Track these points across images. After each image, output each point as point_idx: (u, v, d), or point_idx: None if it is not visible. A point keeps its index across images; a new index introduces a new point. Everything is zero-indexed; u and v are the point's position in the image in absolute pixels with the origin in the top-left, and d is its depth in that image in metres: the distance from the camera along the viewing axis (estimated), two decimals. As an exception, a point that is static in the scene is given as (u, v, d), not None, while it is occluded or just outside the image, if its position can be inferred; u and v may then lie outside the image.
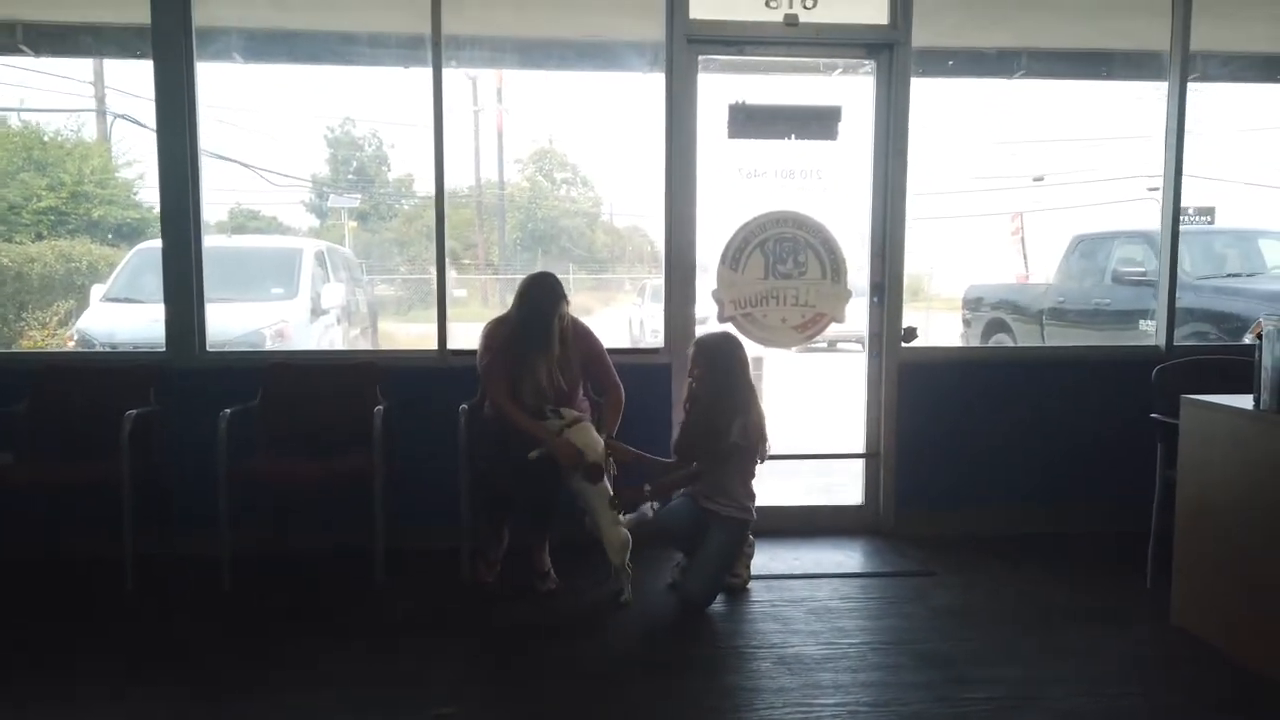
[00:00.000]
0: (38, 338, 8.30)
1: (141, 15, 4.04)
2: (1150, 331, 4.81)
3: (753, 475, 3.69)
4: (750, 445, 3.60)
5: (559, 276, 3.82)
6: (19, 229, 9.66)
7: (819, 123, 4.54)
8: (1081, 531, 4.49)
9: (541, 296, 3.72)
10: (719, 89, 4.53)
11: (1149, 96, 4.89)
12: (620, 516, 3.58)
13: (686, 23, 4.31)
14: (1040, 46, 5.14)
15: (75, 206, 10.24)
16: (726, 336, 3.84)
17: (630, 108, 4.85)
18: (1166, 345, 4.60)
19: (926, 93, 4.65)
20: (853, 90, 4.65)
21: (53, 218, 9.96)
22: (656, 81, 4.40)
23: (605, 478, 3.60)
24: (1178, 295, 4.69)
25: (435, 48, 4.19)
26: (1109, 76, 5.56)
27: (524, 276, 3.82)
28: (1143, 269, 6.42)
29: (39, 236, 9.60)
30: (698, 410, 3.67)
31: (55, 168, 10.42)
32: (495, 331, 3.79)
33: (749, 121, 4.52)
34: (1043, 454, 4.57)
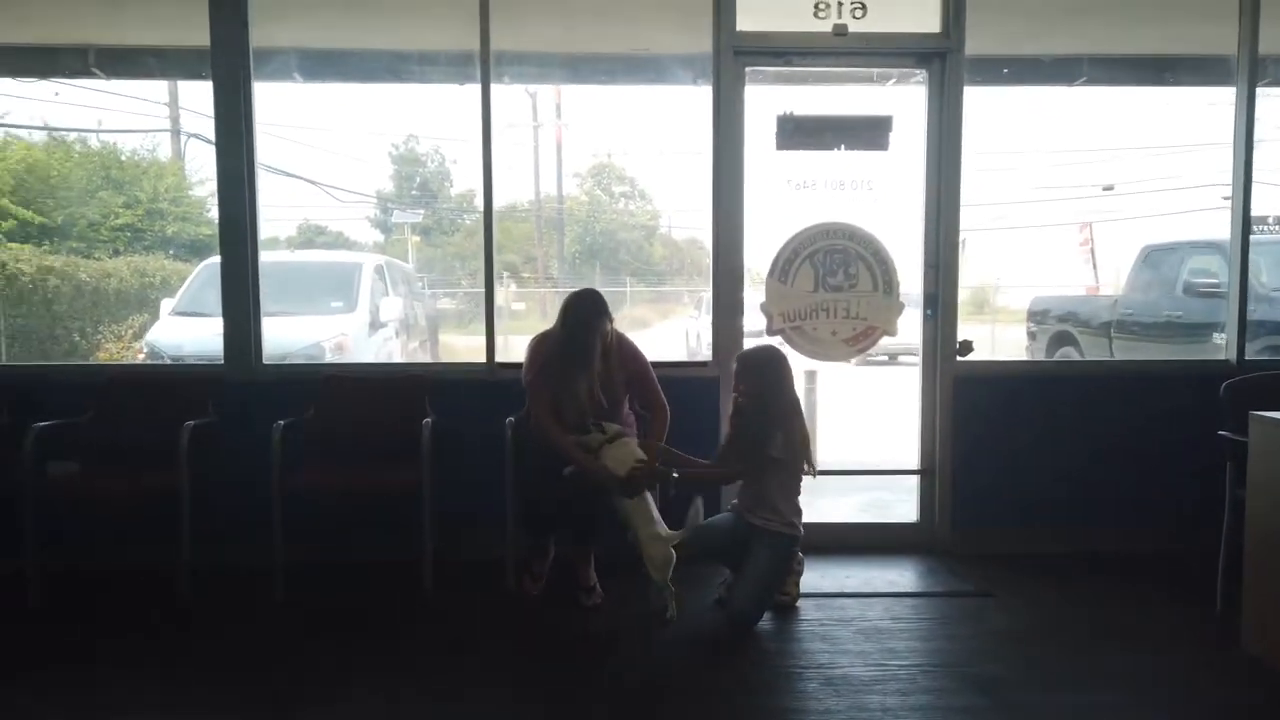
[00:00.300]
0: (113, 350, 8.60)
1: (202, 38, 4.16)
2: (1222, 345, 4.63)
3: (798, 491, 3.63)
4: (792, 459, 3.55)
5: (616, 290, 3.83)
6: (97, 245, 10.04)
7: (869, 133, 4.47)
8: (1147, 552, 4.33)
9: (584, 314, 3.70)
10: (767, 100, 4.49)
11: (1221, 102, 4.71)
12: (663, 531, 3.54)
13: (733, 35, 4.29)
14: (1102, 53, 5.00)
15: (150, 223, 10.62)
16: (770, 349, 3.80)
17: (682, 121, 4.84)
18: (1238, 359, 4.42)
19: (982, 101, 4.57)
20: (904, 99, 4.57)
21: (129, 234, 10.33)
22: (705, 95, 4.39)
23: (647, 494, 3.58)
24: (1252, 308, 4.51)
25: (484, 64, 4.24)
26: (1175, 83, 5.38)
27: (570, 293, 3.83)
28: (1215, 280, 6.19)
29: (116, 253, 9.97)
30: (741, 424, 3.63)
31: (132, 186, 10.82)
32: (540, 346, 3.80)
33: (797, 132, 4.47)
34: (1106, 471, 4.42)
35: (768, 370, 3.61)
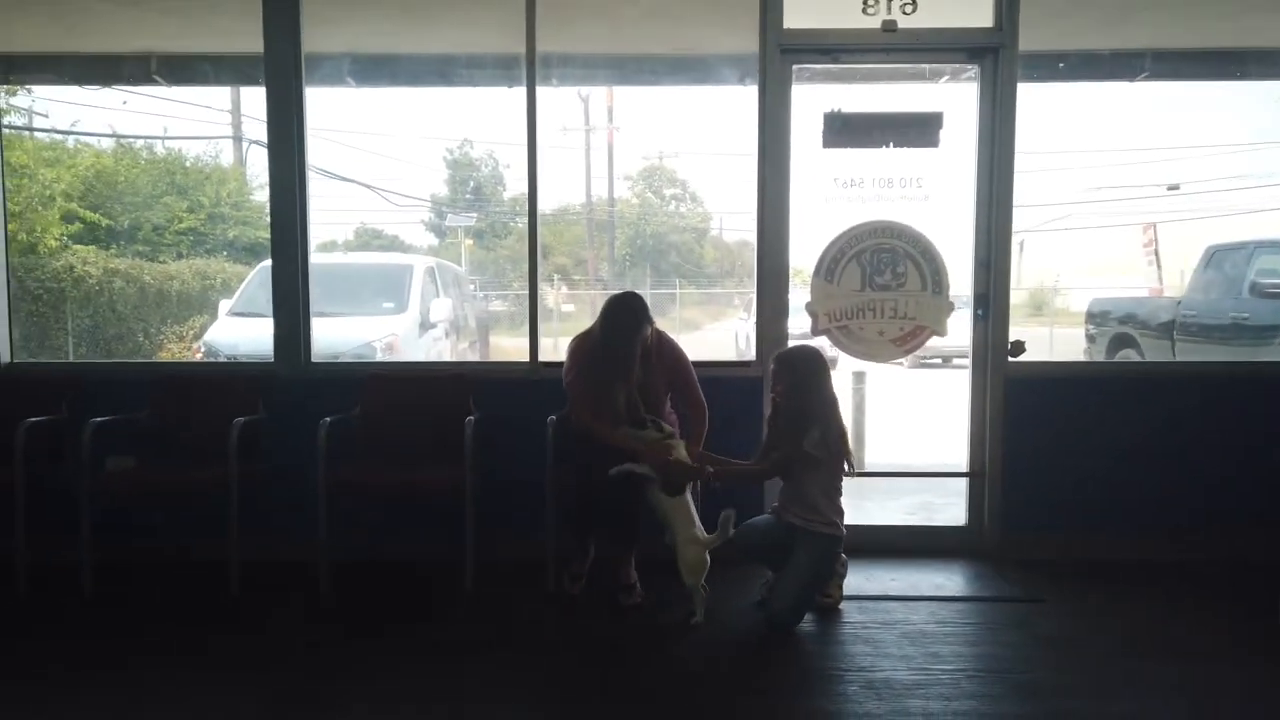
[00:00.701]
0: (175, 350, 8.86)
1: (258, 45, 4.25)
2: (1289, 347, 4.47)
3: (839, 490, 3.59)
4: (830, 457, 3.51)
5: (666, 292, 3.83)
6: (162, 249, 10.35)
7: (919, 129, 4.40)
8: (1205, 560, 4.19)
9: (623, 323, 3.67)
10: (815, 98, 4.45)
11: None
12: (701, 535, 3.52)
13: (780, 33, 4.26)
14: (1165, 47, 4.86)
15: (212, 227, 10.91)
16: (807, 348, 3.75)
17: (730, 122, 4.82)
18: (1304, 362, 4.26)
19: (1038, 98, 4.47)
20: (956, 97, 4.49)
21: (191, 238, 10.63)
22: (753, 95, 4.36)
23: (687, 493, 3.56)
24: (1324, 308, 4.34)
25: (529, 66, 4.27)
26: (1244, 76, 5.20)
27: (610, 295, 3.83)
28: (1284, 281, 5.99)
29: (179, 256, 10.26)
30: (778, 422, 3.60)
31: (195, 191, 11.13)
32: (581, 347, 3.80)
33: (845, 130, 4.42)
34: (1164, 476, 4.29)
35: (804, 368, 3.57)
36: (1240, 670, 3.12)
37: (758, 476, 3.67)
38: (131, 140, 10.67)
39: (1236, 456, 4.16)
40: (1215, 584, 3.97)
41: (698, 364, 3.96)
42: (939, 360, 11.53)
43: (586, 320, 3.79)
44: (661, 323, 3.93)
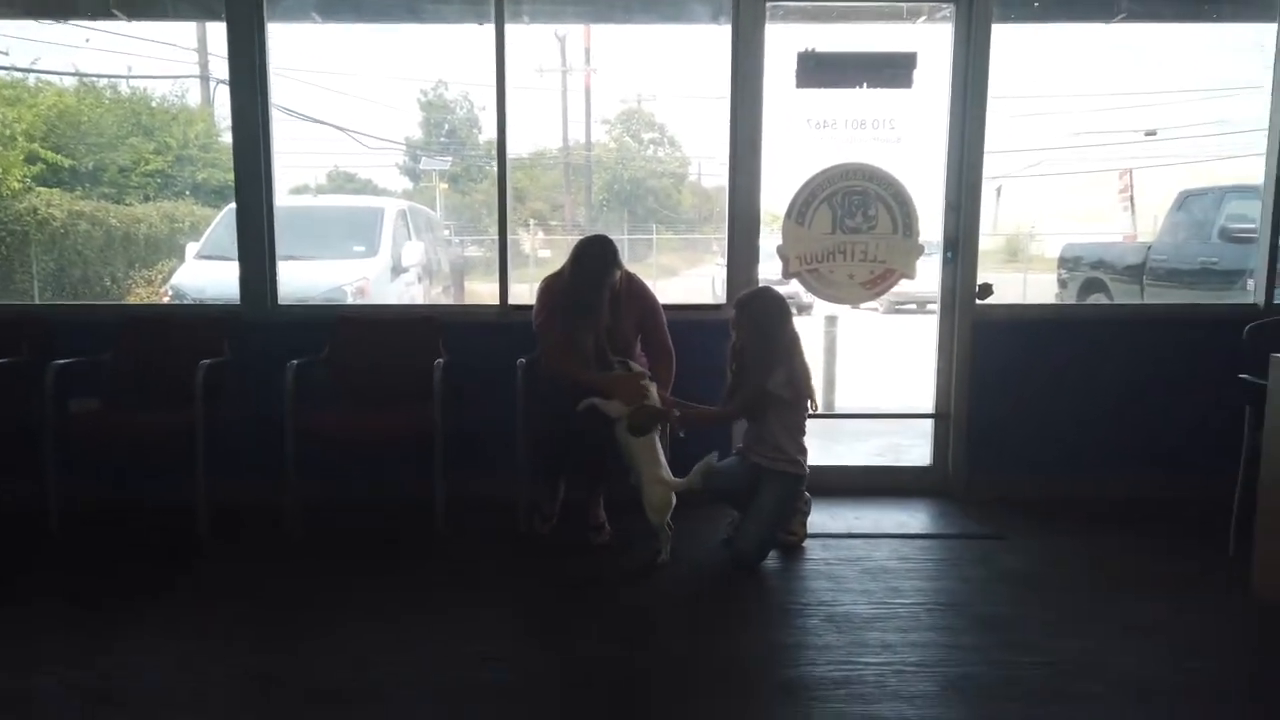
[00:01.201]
0: (143, 294, 8.75)
1: (215, -24, 4.14)
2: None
3: (802, 430, 3.62)
4: (794, 398, 3.53)
5: (644, 237, 3.80)
6: (128, 191, 10.16)
7: (892, 70, 4.36)
8: (1166, 498, 4.27)
9: (594, 264, 3.66)
10: (789, 39, 4.39)
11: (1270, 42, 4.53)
12: (666, 475, 3.55)
13: (753, -31, 4.18)
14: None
15: (180, 170, 10.71)
16: (767, 289, 3.75)
17: (704, 62, 4.74)
18: (1265, 304, 4.30)
19: (1013, 39, 4.42)
20: (932, 38, 4.44)
21: (159, 180, 10.44)
22: (726, 34, 4.29)
23: (654, 434, 3.58)
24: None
25: (498, 2, 4.18)
26: (1218, 19, 5.16)
27: (581, 239, 3.80)
28: (1253, 225, 6.02)
29: (146, 198, 10.08)
30: (741, 365, 3.62)
31: (161, 132, 10.90)
32: (550, 289, 3.78)
33: (818, 70, 4.37)
34: (1126, 417, 4.36)
35: (764, 310, 3.58)
36: (1193, 603, 3.20)
37: (724, 419, 3.70)
38: (95, 79, 10.41)
39: (1198, 397, 4.23)
40: (1173, 521, 4.07)
41: (669, 307, 3.96)
42: (913, 306, 11.58)
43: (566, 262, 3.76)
44: (638, 268, 3.92)
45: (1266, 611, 3.11)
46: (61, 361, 3.80)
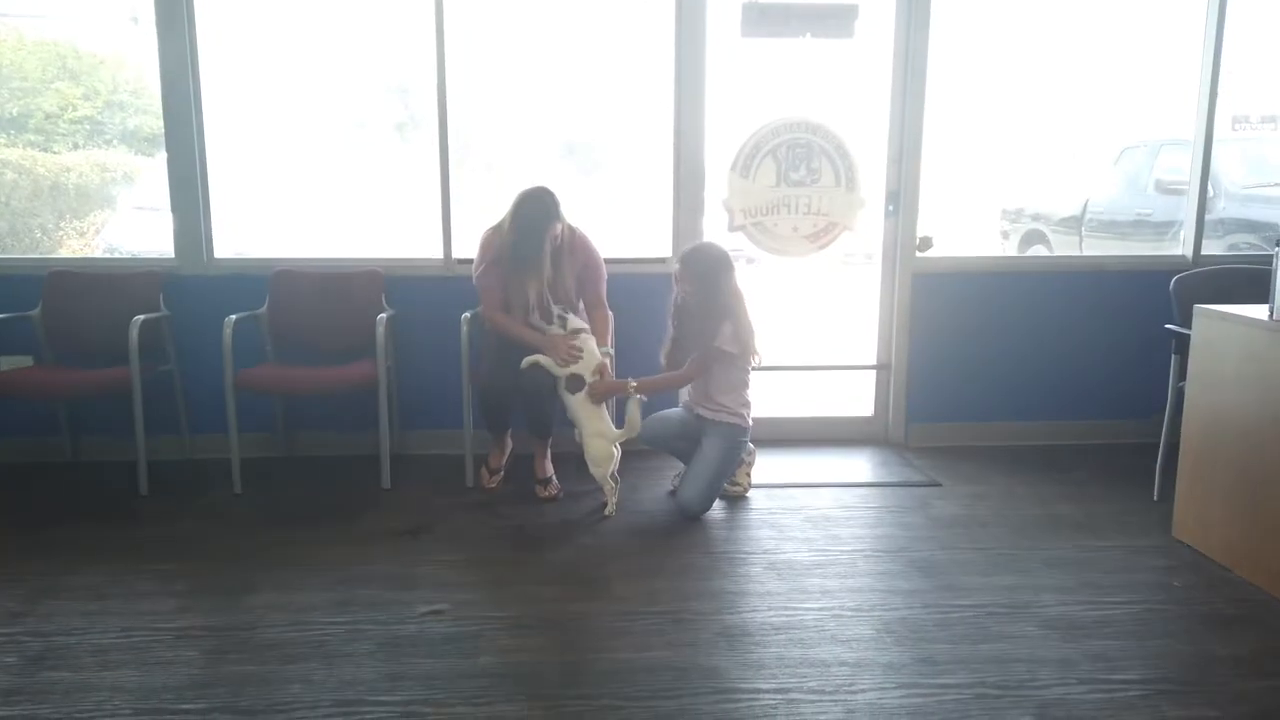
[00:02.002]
0: (75, 247, 8.45)
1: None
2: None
3: (747, 383, 3.66)
4: (740, 352, 3.57)
5: (591, 184, 3.74)
6: (55, 139, 9.74)
7: (835, 20, 4.34)
8: (1098, 445, 4.44)
9: (533, 217, 3.61)
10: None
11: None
12: (608, 429, 3.58)
13: (697, -85, 4.12)
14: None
15: (110, 116, 10.29)
16: (713, 245, 3.75)
17: (650, 7, 4.66)
18: (1194, 256, 4.43)
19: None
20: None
21: (88, 127, 10.02)
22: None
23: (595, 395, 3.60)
24: (1223, 205, 4.49)
25: (436, -56, 4.07)
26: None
27: (521, 190, 3.73)
28: (1187, 178, 6.16)
29: (75, 146, 9.68)
30: (686, 320, 3.64)
31: (90, 77, 10.43)
32: (490, 241, 3.74)
33: (763, 19, 4.33)
34: (1059, 366, 4.49)
35: (710, 265, 3.58)
36: (1117, 545, 3.34)
37: (681, 382, 3.70)
38: (16, 19, 9.92)
39: (1126, 345, 4.36)
40: (1104, 467, 4.21)
41: (613, 260, 3.95)
42: (866, 257, 11.64)
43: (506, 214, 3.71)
44: (587, 217, 3.90)
45: (1185, 551, 3.26)
46: (-13, 318, 3.70)
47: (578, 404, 3.57)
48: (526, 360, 3.55)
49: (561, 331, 3.61)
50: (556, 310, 3.64)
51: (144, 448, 3.77)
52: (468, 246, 4.09)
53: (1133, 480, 3.91)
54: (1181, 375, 3.41)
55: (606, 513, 3.59)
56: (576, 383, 3.57)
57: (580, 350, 3.59)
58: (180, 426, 4.12)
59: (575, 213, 3.81)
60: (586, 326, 3.70)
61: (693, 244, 3.86)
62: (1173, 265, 4.27)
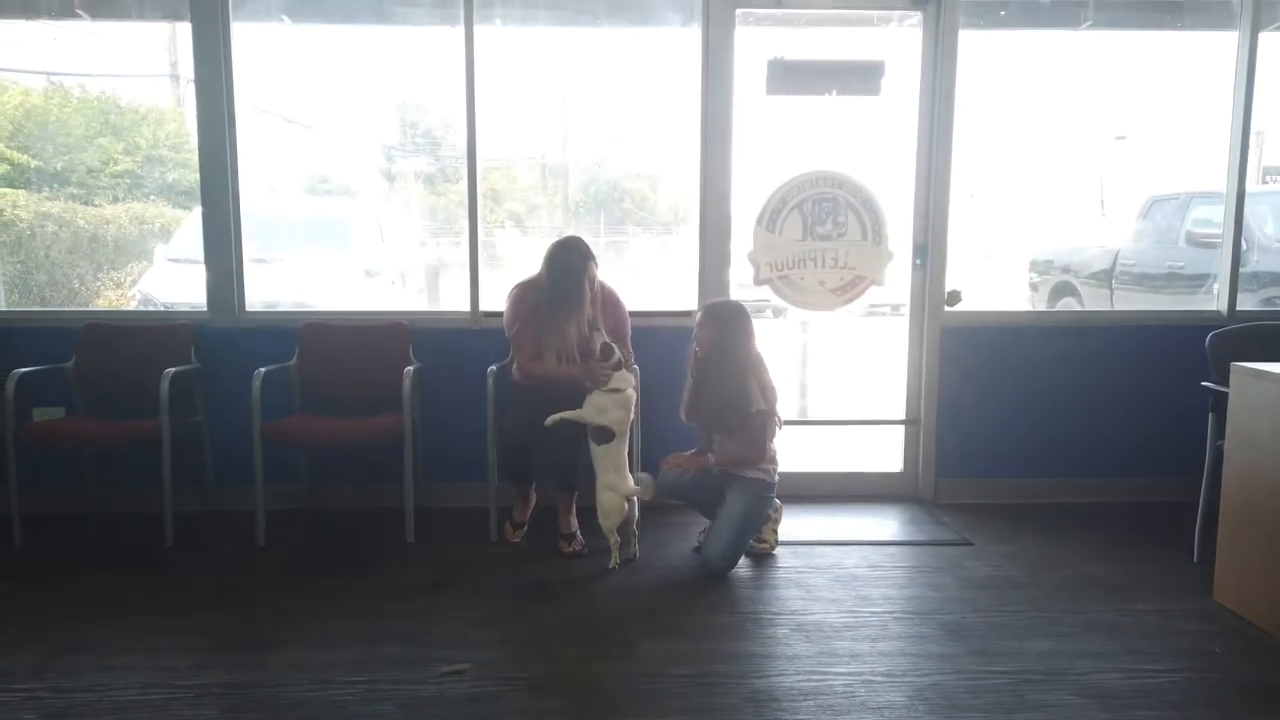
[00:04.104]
0: (112, 298, 8.61)
1: (180, -23, 4.10)
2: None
3: (773, 436, 3.63)
4: (771, 408, 3.56)
5: (620, 239, 3.83)
6: (97, 192, 9.99)
7: (861, 78, 4.38)
8: (1131, 503, 4.34)
9: (572, 259, 3.71)
10: (759, 43, 4.40)
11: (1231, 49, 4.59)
12: (623, 482, 3.57)
13: (723, -25, 4.19)
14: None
15: (150, 170, 10.54)
16: (733, 303, 3.78)
17: (677, 66, 4.74)
18: (1229, 311, 4.37)
19: (983, 46, 4.46)
20: (903, 42, 4.46)
21: (128, 181, 10.27)
22: (695, 37, 4.29)
23: (621, 442, 3.59)
24: (1256, 259, 4.44)
25: (467, 5, 4.17)
26: (1179, 26, 5.23)
27: (555, 240, 3.81)
28: (1218, 231, 6.11)
29: (115, 199, 9.91)
30: (708, 375, 3.62)
31: (131, 132, 10.72)
32: (524, 296, 3.78)
33: (788, 77, 4.38)
34: (1093, 423, 4.41)
35: (731, 320, 3.59)
36: (1157, 609, 3.23)
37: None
38: (63, 78, 10.24)
39: (1163, 403, 4.28)
40: (1139, 527, 4.11)
41: (639, 313, 3.97)
42: (888, 309, 11.61)
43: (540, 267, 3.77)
44: (614, 269, 3.94)
45: (1226, 615, 3.15)
46: (24, 370, 3.75)
47: (601, 454, 3.56)
48: (553, 418, 3.55)
49: (616, 357, 3.61)
50: (601, 339, 3.66)
51: (171, 499, 3.79)
52: (496, 299, 4.13)
53: (1168, 540, 3.81)
54: (1220, 433, 3.33)
55: (610, 565, 3.56)
56: (604, 434, 3.55)
57: (609, 378, 3.59)
58: (207, 478, 4.13)
59: (602, 266, 3.84)
60: (629, 357, 3.74)
61: (716, 300, 3.88)
62: (1207, 320, 4.21)
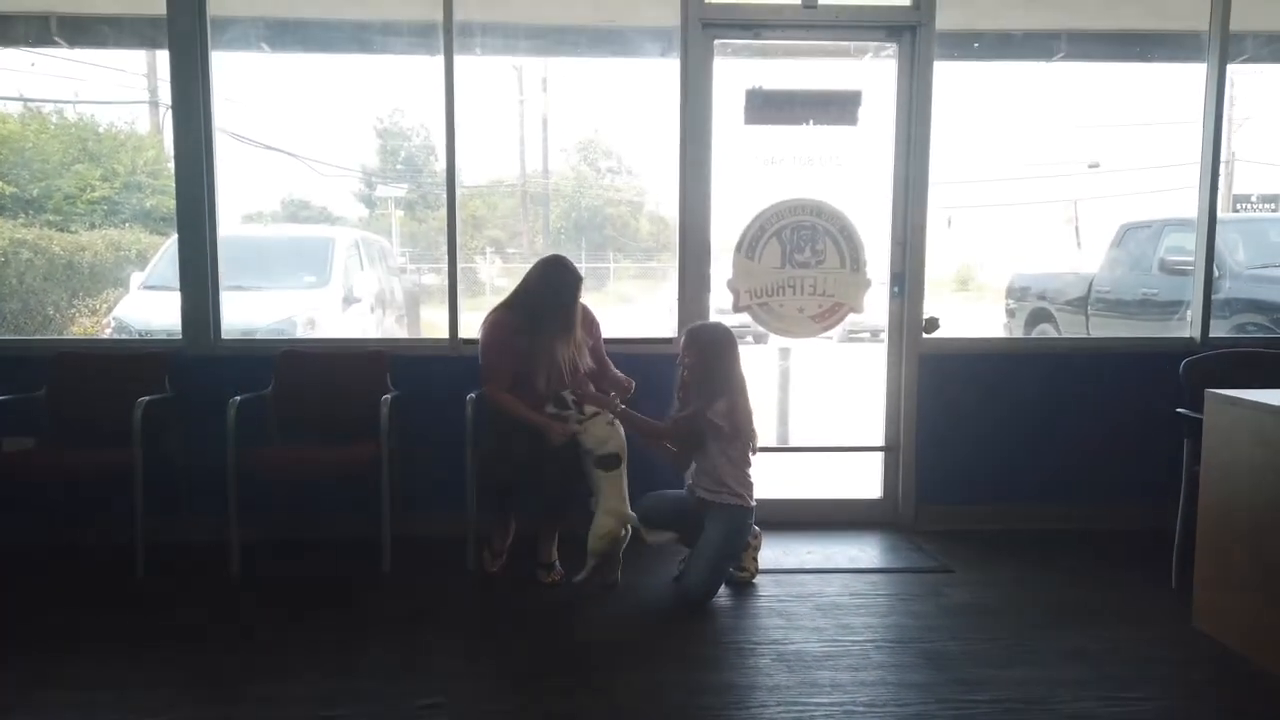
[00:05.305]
0: (87, 325, 8.52)
1: (158, 6, 4.09)
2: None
3: (747, 464, 3.62)
4: (733, 429, 3.54)
5: (601, 265, 3.83)
6: (74, 218, 9.92)
7: (838, 108, 4.43)
8: (1108, 530, 4.35)
9: (566, 277, 3.68)
10: (737, 74, 4.44)
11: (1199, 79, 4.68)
12: (625, 511, 3.56)
13: (701, 6, 4.23)
14: (1079, 28, 4.94)
15: (128, 197, 10.49)
16: (719, 325, 3.78)
17: (657, 97, 4.79)
18: (1202, 337, 4.41)
19: (958, 77, 4.53)
20: (878, 73, 4.52)
21: (105, 207, 10.21)
22: (674, 68, 4.33)
23: (622, 470, 3.59)
24: (1228, 285, 4.50)
25: (447, 35, 4.18)
26: (1149, 59, 5.33)
27: (541, 259, 3.78)
28: (1190, 258, 6.20)
29: (92, 226, 9.85)
30: (688, 395, 3.63)
31: (109, 159, 10.67)
32: (503, 321, 3.73)
33: (766, 106, 4.43)
34: (1069, 449, 4.44)
35: (713, 343, 3.60)
36: (1134, 635, 3.24)
37: (661, 434, 3.67)
38: (40, 104, 10.19)
39: (1136, 428, 4.31)
40: (1116, 552, 4.12)
41: (618, 340, 3.97)
42: (867, 335, 11.67)
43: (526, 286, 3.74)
44: (597, 296, 3.93)
45: (1204, 641, 3.16)
46: (-6, 399, 3.70)
47: (605, 480, 3.56)
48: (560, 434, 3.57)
49: (581, 417, 3.60)
50: (570, 397, 3.63)
51: (142, 530, 3.73)
52: (476, 326, 4.12)
53: (1146, 566, 3.83)
54: (1195, 459, 3.36)
55: (576, 579, 3.57)
56: (611, 461, 3.55)
57: (582, 430, 3.59)
58: (180, 508, 4.07)
59: (597, 292, 3.85)
60: (599, 410, 3.67)
61: (701, 322, 3.89)
62: (1180, 347, 4.25)
